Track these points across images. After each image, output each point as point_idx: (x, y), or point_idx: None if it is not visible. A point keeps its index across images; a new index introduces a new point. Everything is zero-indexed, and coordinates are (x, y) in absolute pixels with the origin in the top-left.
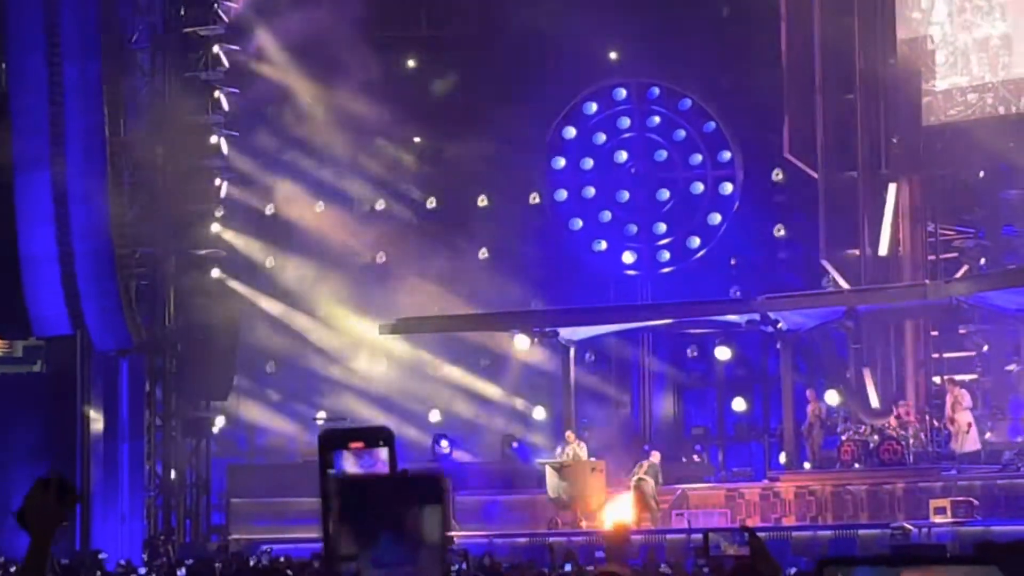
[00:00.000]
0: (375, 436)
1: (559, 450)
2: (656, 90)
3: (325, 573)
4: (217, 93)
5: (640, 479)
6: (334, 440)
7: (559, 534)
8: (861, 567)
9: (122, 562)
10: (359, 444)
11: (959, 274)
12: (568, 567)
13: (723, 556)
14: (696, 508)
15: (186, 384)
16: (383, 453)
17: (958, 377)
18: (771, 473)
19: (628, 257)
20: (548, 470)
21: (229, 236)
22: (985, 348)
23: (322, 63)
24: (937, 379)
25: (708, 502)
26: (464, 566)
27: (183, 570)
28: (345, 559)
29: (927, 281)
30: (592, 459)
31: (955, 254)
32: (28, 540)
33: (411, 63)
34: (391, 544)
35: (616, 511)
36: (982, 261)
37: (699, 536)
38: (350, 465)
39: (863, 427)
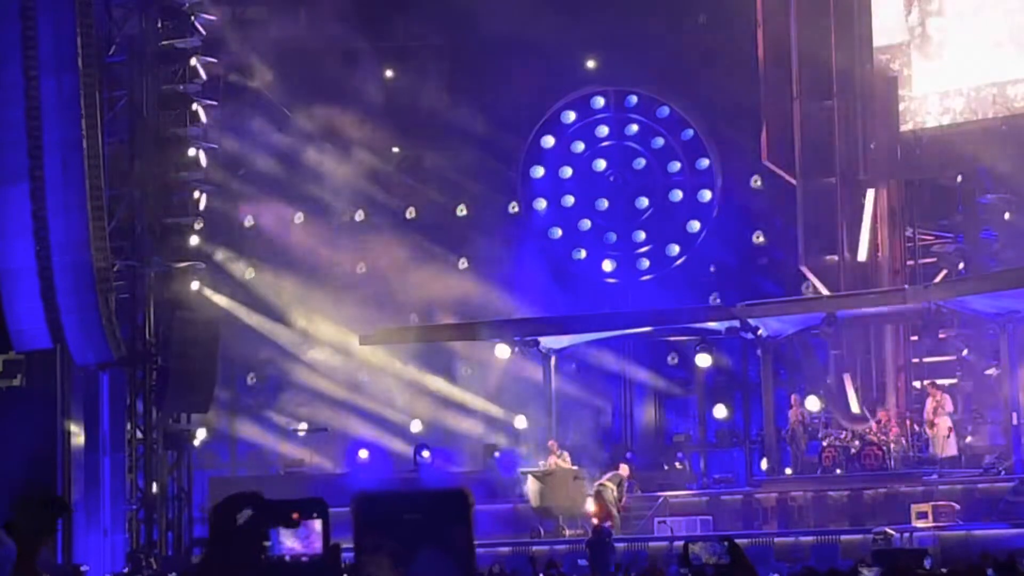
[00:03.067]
0: (310, 508)
1: (544, 460)
2: (634, 98)
3: None
4: (195, 105)
5: (602, 485)
6: (267, 514)
7: (542, 543)
8: None
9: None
10: (295, 516)
11: (938, 279)
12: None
13: (703, 566)
14: (678, 515)
15: (167, 397)
16: (317, 525)
17: (938, 382)
18: (753, 480)
19: (608, 265)
20: (530, 479)
21: (208, 248)
22: (965, 352)
23: (300, 74)
24: (918, 383)
25: (690, 509)
26: None
27: None
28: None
29: (906, 286)
30: (575, 467)
31: (934, 259)
32: (15, 551)
33: (389, 73)
34: (415, 562)
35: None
36: (961, 265)
37: (681, 544)
38: (288, 540)
39: (844, 433)
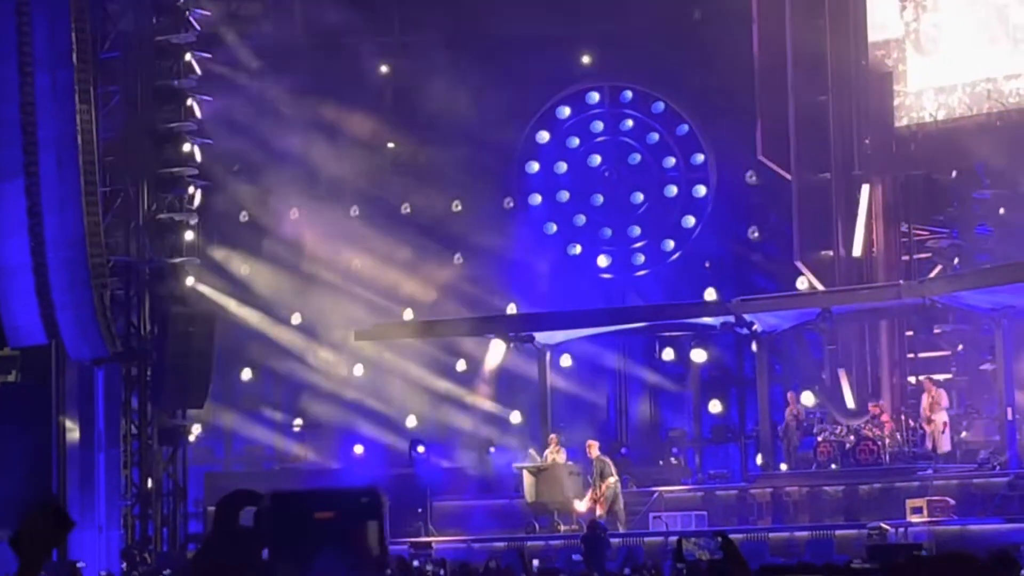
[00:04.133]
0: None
1: (543, 453)
2: (629, 93)
3: None
4: (190, 101)
5: (602, 460)
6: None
7: (537, 538)
8: None
9: (103, 573)
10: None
11: (933, 274)
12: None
13: (697, 561)
14: (673, 511)
15: (162, 392)
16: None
17: (934, 377)
18: (748, 475)
19: (603, 260)
20: (525, 474)
21: (203, 244)
22: (960, 348)
23: (296, 69)
24: (913, 379)
25: (685, 504)
26: (442, 573)
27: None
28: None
29: (901, 281)
30: (570, 463)
31: (929, 254)
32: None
33: (384, 69)
34: (329, 560)
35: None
36: (956, 261)
37: (675, 539)
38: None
39: (839, 428)
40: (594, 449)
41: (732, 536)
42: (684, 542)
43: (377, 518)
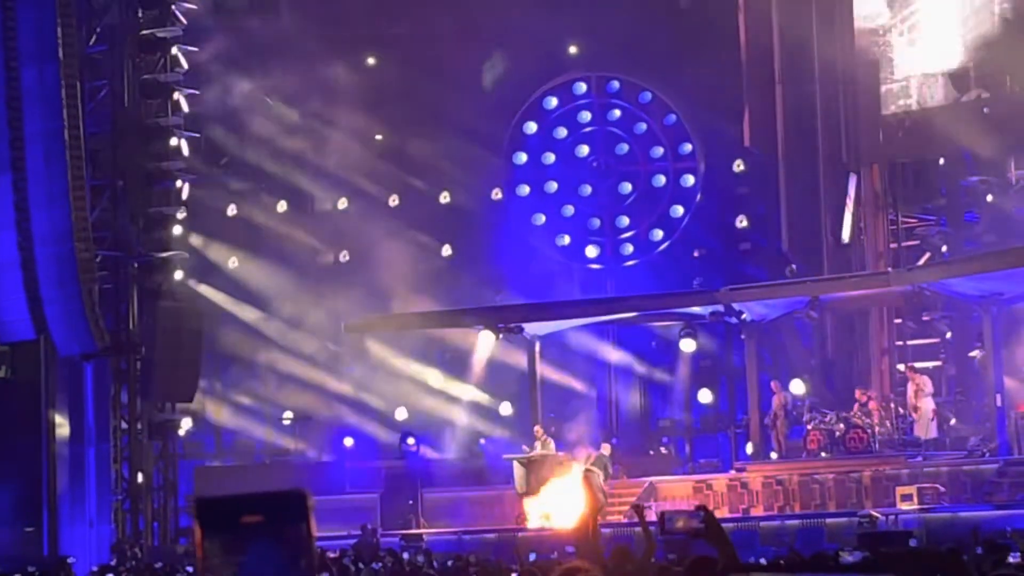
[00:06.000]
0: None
1: (529, 446)
2: (616, 83)
3: None
4: (176, 95)
5: (588, 470)
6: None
7: (528, 529)
8: (755, 573)
9: (94, 568)
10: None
11: (921, 261)
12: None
13: (675, 530)
14: (665, 500)
15: (151, 387)
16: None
17: (920, 365)
18: (738, 464)
19: (591, 251)
20: (516, 465)
21: (191, 238)
22: (948, 335)
23: (282, 62)
24: (902, 367)
25: (676, 494)
26: (435, 565)
27: None
28: None
29: (890, 269)
30: (560, 453)
31: (917, 242)
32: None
33: (371, 60)
34: (258, 564)
35: (567, 505)
36: (944, 248)
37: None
38: None
39: (828, 416)
40: (607, 449)
41: (724, 526)
42: (666, 514)
43: (304, 520)
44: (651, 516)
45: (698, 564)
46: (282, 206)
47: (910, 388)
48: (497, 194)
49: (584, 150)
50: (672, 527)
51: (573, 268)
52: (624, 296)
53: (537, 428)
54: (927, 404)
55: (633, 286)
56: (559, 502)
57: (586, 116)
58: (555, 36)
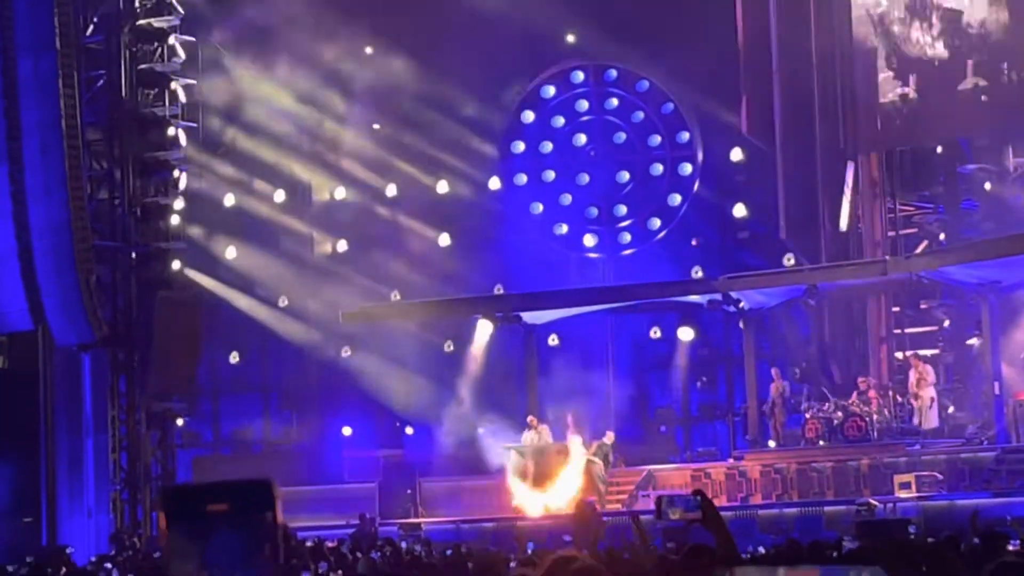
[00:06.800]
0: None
1: (524, 433)
2: (613, 72)
3: None
4: (174, 84)
5: (589, 460)
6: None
7: (526, 518)
8: (743, 567)
9: (93, 558)
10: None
11: (919, 249)
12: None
13: (671, 518)
14: (663, 488)
15: (150, 377)
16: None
17: (921, 352)
18: (736, 452)
19: (589, 240)
20: (512, 454)
21: (189, 228)
22: (946, 323)
23: (280, 51)
24: (900, 355)
25: (674, 482)
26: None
27: None
28: (180, 569)
29: (887, 257)
30: (556, 442)
31: (915, 230)
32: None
33: (368, 49)
34: (224, 552)
35: (566, 494)
36: (942, 236)
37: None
38: None
39: (827, 404)
40: (610, 437)
41: (722, 515)
42: (663, 500)
43: (270, 508)
44: (649, 504)
45: (695, 552)
46: (280, 195)
47: (912, 376)
48: (495, 183)
49: (582, 139)
50: (668, 516)
51: (571, 257)
52: (622, 285)
53: (531, 417)
54: (928, 393)
55: (631, 275)
56: (556, 491)
57: (584, 105)
58: (552, 25)
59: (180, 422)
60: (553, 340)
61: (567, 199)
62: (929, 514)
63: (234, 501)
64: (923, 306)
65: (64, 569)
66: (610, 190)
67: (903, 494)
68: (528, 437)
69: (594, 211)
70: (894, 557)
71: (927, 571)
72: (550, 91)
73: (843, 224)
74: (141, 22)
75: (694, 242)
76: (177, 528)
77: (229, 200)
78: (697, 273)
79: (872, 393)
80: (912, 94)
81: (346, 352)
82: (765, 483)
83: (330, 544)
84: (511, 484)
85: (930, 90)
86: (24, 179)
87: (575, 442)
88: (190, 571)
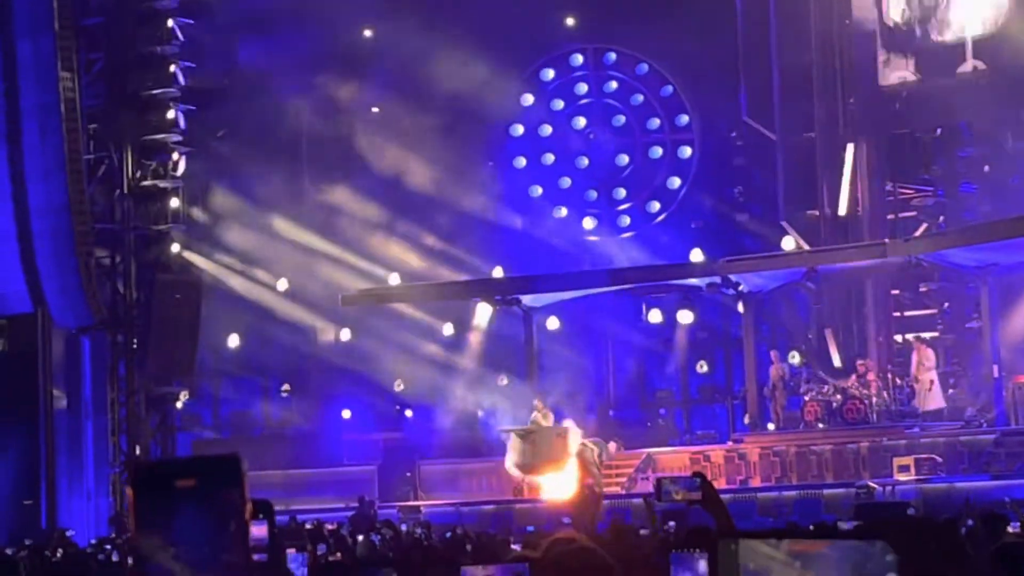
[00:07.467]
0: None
1: (532, 415)
2: (612, 55)
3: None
4: (173, 67)
5: (582, 444)
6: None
7: (525, 501)
8: (747, 539)
9: (93, 540)
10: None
11: (918, 232)
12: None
13: (671, 499)
14: (662, 471)
15: (149, 359)
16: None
17: (922, 336)
18: (736, 435)
19: (588, 223)
20: (513, 437)
21: (189, 210)
22: (946, 305)
23: (277, 34)
24: (900, 337)
25: (674, 465)
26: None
27: None
28: (147, 544)
29: (887, 240)
30: (558, 425)
31: (914, 212)
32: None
33: (368, 32)
34: (190, 528)
35: (563, 476)
36: (941, 219)
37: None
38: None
39: (826, 387)
40: (613, 447)
41: (721, 497)
42: (663, 481)
43: (237, 485)
44: (649, 487)
45: (695, 534)
46: (278, 181)
47: (913, 358)
48: (493, 166)
49: (581, 122)
50: (668, 497)
51: (570, 240)
52: (621, 268)
53: (537, 401)
54: (929, 376)
55: (630, 258)
56: (554, 474)
57: (583, 88)
58: (552, 8)
59: (179, 405)
60: (552, 323)
61: (566, 182)
62: (928, 497)
63: (201, 477)
64: (922, 289)
65: (64, 551)
66: (609, 173)
67: (902, 477)
68: (535, 418)
69: (593, 194)
70: (898, 534)
71: (931, 548)
72: (549, 74)
73: (842, 207)
74: (141, 4)
75: (693, 225)
76: (144, 503)
77: (228, 183)
78: (696, 256)
79: (871, 376)
80: (911, 77)
81: (346, 334)
82: (764, 466)
83: (329, 527)
84: (509, 466)
85: (929, 73)
86: (23, 161)
87: (572, 425)
88: (157, 545)
